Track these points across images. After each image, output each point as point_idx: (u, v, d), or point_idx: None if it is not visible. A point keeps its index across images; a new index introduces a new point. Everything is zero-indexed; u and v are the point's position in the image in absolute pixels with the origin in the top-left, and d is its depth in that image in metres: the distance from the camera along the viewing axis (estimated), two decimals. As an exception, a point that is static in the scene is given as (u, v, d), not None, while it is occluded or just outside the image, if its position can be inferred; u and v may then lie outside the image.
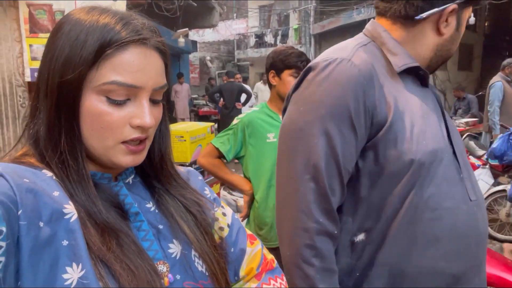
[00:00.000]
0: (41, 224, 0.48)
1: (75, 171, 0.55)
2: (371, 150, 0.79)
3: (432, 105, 0.87)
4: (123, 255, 0.53)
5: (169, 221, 0.64)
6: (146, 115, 0.56)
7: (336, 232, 0.79)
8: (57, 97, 0.54)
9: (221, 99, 7.78)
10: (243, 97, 7.67)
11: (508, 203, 3.69)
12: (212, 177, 2.71)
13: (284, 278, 0.78)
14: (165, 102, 0.65)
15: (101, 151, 0.57)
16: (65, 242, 0.49)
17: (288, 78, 1.69)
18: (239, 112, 7.39)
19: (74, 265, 0.49)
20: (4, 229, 0.44)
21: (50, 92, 0.55)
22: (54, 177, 0.54)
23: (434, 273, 0.78)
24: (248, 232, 0.77)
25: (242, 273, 0.73)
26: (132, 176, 0.66)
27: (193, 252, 0.65)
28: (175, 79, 9.89)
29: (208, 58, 17.90)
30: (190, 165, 2.39)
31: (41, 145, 0.56)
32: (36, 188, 0.50)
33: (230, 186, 2.44)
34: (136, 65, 0.54)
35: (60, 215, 0.50)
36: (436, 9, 0.82)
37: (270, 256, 0.78)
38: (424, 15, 0.82)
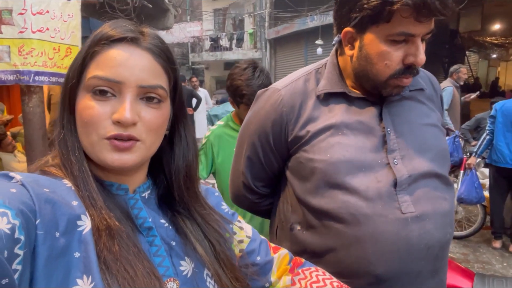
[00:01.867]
0: (57, 234, 0.49)
1: (76, 167, 0.57)
2: (292, 157, 0.99)
3: (366, 122, 0.92)
4: (127, 263, 0.53)
5: (182, 238, 0.64)
6: (125, 109, 0.56)
7: (256, 199, 1.14)
8: (62, 100, 0.60)
9: None
10: (194, 102, 7.57)
11: (455, 202, 3.97)
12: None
13: (317, 267, 0.82)
14: (186, 116, 0.67)
15: (89, 148, 0.58)
16: (77, 254, 0.50)
17: (244, 111, 1.65)
18: (190, 117, 7.26)
19: (85, 277, 0.49)
20: (22, 238, 0.44)
21: (63, 100, 0.61)
22: (73, 188, 0.55)
23: (358, 270, 0.88)
24: (272, 244, 0.81)
25: (273, 278, 0.77)
26: (148, 192, 0.66)
27: (205, 271, 0.64)
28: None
29: (161, 60, 17.48)
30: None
31: (60, 151, 0.59)
32: (55, 198, 0.51)
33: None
34: (117, 60, 0.57)
35: (74, 226, 0.51)
36: (337, 36, 0.93)
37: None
38: (333, 41, 0.95)
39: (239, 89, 1.66)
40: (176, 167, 0.67)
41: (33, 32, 2.69)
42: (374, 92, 0.93)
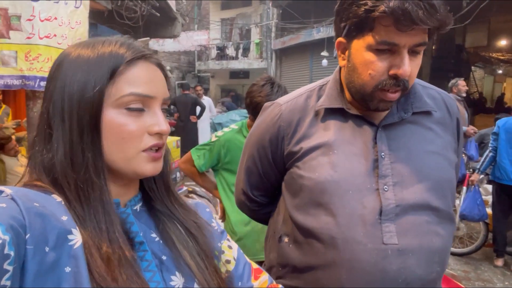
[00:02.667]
0: (47, 249, 0.49)
1: (99, 188, 0.56)
2: (288, 171, 0.99)
3: (358, 144, 0.89)
4: (119, 279, 0.53)
5: (172, 252, 0.64)
6: (162, 122, 0.61)
7: (254, 206, 1.15)
8: (78, 118, 0.57)
9: (176, 112, 7.70)
10: (198, 109, 7.61)
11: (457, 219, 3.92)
12: (182, 190, 2.69)
13: None
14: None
15: (123, 164, 0.59)
16: (67, 269, 0.50)
17: None
18: (194, 125, 7.30)
19: None
20: (12, 253, 0.44)
21: (69, 116, 0.58)
22: (62, 203, 0.55)
23: None
24: (254, 266, 0.80)
25: None
26: (140, 204, 0.67)
27: (195, 286, 0.64)
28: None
29: (168, 68, 17.64)
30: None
31: (57, 171, 0.57)
32: (45, 212, 0.51)
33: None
34: (146, 77, 0.61)
35: (64, 241, 0.50)
36: (336, 49, 0.93)
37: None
38: (334, 54, 0.93)
39: (259, 105, 1.69)
40: None
41: (40, 38, 2.73)
42: (367, 107, 0.89)
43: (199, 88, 8.12)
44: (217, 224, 0.78)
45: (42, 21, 2.73)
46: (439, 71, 12.50)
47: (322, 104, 0.95)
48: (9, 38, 2.65)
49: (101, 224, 0.56)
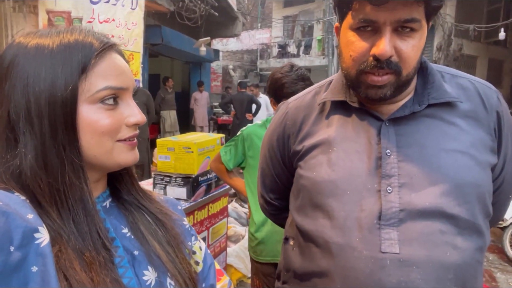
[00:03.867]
0: (12, 248, 0.47)
1: (79, 189, 0.55)
2: (295, 171, 0.92)
3: (361, 140, 0.81)
4: (99, 282, 0.52)
5: (144, 246, 0.64)
6: (137, 112, 0.61)
7: (272, 210, 1.11)
8: (50, 120, 0.54)
9: (232, 110, 7.83)
10: (254, 107, 7.66)
11: None
12: (222, 189, 2.67)
13: None
14: None
15: (103, 157, 0.59)
16: (34, 268, 0.48)
17: None
18: (249, 122, 7.40)
19: None
20: None
21: (38, 118, 0.54)
22: (27, 201, 0.53)
23: None
24: (217, 267, 0.80)
25: None
26: (110, 200, 0.66)
27: (168, 280, 0.64)
28: (195, 87, 9.98)
29: (231, 67, 18.04)
30: (197, 177, 2.33)
31: (28, 177, 0.53)
32: (9, 210, 0.48)
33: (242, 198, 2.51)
34: (117, 69, 0.59)
35: (30, 239, 0.49)
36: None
37: None
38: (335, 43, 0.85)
39: (279, 81, 1.71)
40: None
41: (99, 39, 2.92)
42: (363, 98, 0.81)
43: (252, 88, 8.19)
44: (188, 224, 0.76)
45: (101, 22, 2.91)
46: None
47: (325, 97, 0.88)
48: (71, 39, 2.86)
49: (82, 227, 0.54)
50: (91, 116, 0.56)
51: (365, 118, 0.83)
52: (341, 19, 0.81)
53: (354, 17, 0.75)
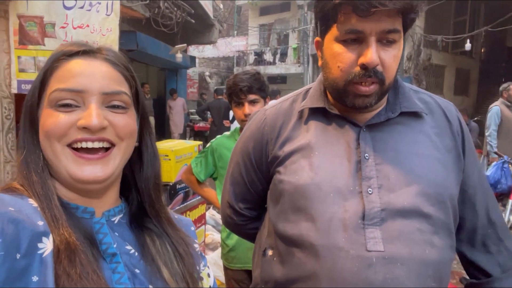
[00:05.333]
0: (18, 256, 0.48)
1: (39, 186, 0.56)
2: (272, 178, 0.94)
3: (340, 145, 0.85)
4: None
5: (149, 265, 0.62)
6: (91, 115, 0.56)
7: (240, 221, 1.09)
8: (24, 122, 0.60)
9: (210, 117, 7.83)
10: (231, 114, 7.68)
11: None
12: (199, 197, 2.65)
13: None
14: (150, 125, 0.69)
15: (54, 161, 0.57)
16: (35, 278, 0.49)
17: (234, 109, 1.80)
18: (227, 129, 7.40)
19: None
20: None
21: (24, 120, 0.60)
22: (38, 208, 0.54)
23: None
24: None
25: None
26: (121, 216, 0.65)
27: None
28: (169, 94, 9.90)
29: (207, 73, 18.00)
30: (174, 185, 2.32)
31: (20, 170, 0.58)
32: (20, 217, 0.50)
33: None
34: (76, 71, 0.58)
35: (34, 249, 0.50)
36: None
37: None
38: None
39: (230, 80, 1.78)
40: (145, 176, 0.67)
41: (73, 45, 2.86)
42: (349, 106, 0.85)
43: (225, 96, 8.23)
44: (198, 247, 0.75)
45: (75, 28, 2.85)
46: (489, 75, 11.77)
47: (304, 104, 0.92)
48: (44, 45, 2.79)
49: (48, 220, 0.54)
50: (44, 118, 0.58)
51: (344, 124, 0.87)
52: (324, 32, 0.83)
53: (339, 29, 0.78)
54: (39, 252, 0.50)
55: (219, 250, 3.27)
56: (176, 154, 2.33)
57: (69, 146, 0.57)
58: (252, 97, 1.71)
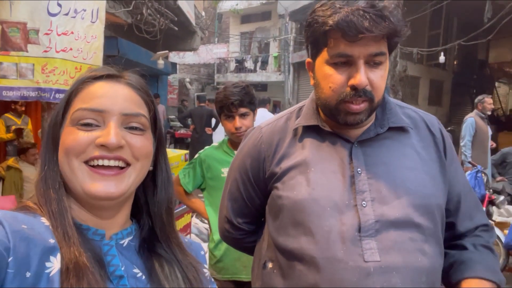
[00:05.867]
0: (28, 274, 0.49)
1: (55, 202, 0.57)
2: (270, 193, 0.97)
3: (335, 161, 0.89)
4: None
5: None
6: (110, 134, 0.58)
7: (239, 235, 1.11)
8: (47, 141, 0.62)
9: (191, 124, 7.80)
10: (213, 121, 7.65)
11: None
12: (184, 207, 2.65)
13: None
14: (165, 149, 0.69)
15: (70, 176, 0.59)
16: None
17: (224, 122, 1.79)
18: (209, 136, 7.37)
19: None
20: None
21: (45, 139, 0.63)
22: (50, 227, 0.55)
23: None
24: None
25: None
26: (130, 238, 0.65)
27: None
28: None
29: (187, 80, 17.92)
30: (161, 194, 2.31)
31: (37, 188, 0.60)
32: (32, 235, 0.51)
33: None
34: (99, 93, 0.61)
35: (42, 268, 0.50)
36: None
37: None
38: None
39: (216, 98, 1.79)
40: (159, 200, 0.67)
41: (57, 52, 2.81)
42: (341, 124, 0.90)
43: (208, 103, 8.20)
44: (207, 271, 0.75)
45: (59, 35, 2.81)
46: (461, 86, 12.24)
47: (298, 122, 0.96)
48: (27, 51, 2.74)
49: (60, 237, 0.56)
50: (65, 136, 0.60)
51: (336, 141, 0.92)
52: (316, 55, 0.89)
53: (330, 52, 0.84)
54: (47, 271, 0.51)
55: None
56: (163, 164, 2.32)
57: (86, 163, 0.59)
58: (242, 110, 1.73)
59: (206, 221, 3.59)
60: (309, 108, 0.98)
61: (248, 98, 1.73)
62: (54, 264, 0.51)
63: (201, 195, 2.03)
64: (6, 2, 2.61)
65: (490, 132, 5.05)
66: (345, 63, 0.83)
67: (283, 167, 0.93)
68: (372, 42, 0.81)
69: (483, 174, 4.05)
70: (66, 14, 2.85)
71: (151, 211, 0.68)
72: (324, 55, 0.86)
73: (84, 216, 0.61)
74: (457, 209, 0.95)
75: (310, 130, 0.95)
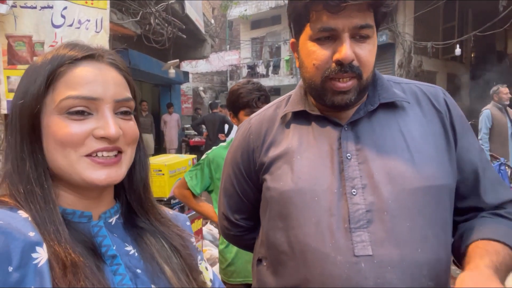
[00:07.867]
0: (10, 268, 0.47)
1: (41, 198, 0.55)
2: (262, 185, 0.92)
3: (323, 147, 0.83)
4: None
5: (149, 264, 0.63)
6: (109, 125, 0.56)
7: (238, 232, 1.06)
8: (19, 128, 0.57)
9: (205, 131, 7.83)
10: (226, 127, 7.66)
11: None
12: (194, 212, 2.61)
13: None
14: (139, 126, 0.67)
15: (68, 169, 0.57)
16: None
17: (244, 118, 1.69)
18: (223, 143, 7.41)
19: None
20: None
21: (13, 126, 0.58)
22: (29, 219, 0.54)
23: None
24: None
25: None
26: (117, 216, 0.66)
27: None
28: (165, 109, 9.89)
29: (201, 88, 18.06)
30: (169, 200, 2.27)
31: (12, 181, 0.57)
32: (9, 229, 0.49)
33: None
34: (89, 77, 0.57)
35: (28, 259, 0.49)
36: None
37: None
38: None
39: (235, 92, 1.73)
40: (136, 178, 0.68)
41: (63, 63, 2.83)
42: (328, 105, 0.83)
43: (221, 108, 8.23)
44: (194, 241, 0.75)
45: (64, 46, 2.84)
46: (480, 79, 11.89)
47: (286, 109, 0.91)
48: (33, 64, 2.77)
49: (50, 234, 0.53)
50: (54, 126, 0.56)
51: (325, 125, 0.86)
52: (299, 32, 0.84)
53: (312, 27, 0.79)
54: (34, 262, 0.49)
55: (218, 265, 3.21)
56: (169, 169, 2.29)
57: (87, 156, 0.57)
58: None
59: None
60: (297, 94, 0.93)
61: (266, 94, 1.74)
62: (42, 254, 0.50)
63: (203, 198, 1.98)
64: (11, 16, 2.64)
65: (509, 124, 4.83)
66: (329, 37, 0.78)
67: (270, 156, 0.89)
68: (357, 13, 0.75)
69: (506, 167, 3.87)
70: (71, 25, 2.87)
71: (129, 188, 0.67)
72: (307, 31, 0.81)
73: (69, 200, 0.59)
74: (475, 187, 0.83)
75: (298, 117, 0.89)
